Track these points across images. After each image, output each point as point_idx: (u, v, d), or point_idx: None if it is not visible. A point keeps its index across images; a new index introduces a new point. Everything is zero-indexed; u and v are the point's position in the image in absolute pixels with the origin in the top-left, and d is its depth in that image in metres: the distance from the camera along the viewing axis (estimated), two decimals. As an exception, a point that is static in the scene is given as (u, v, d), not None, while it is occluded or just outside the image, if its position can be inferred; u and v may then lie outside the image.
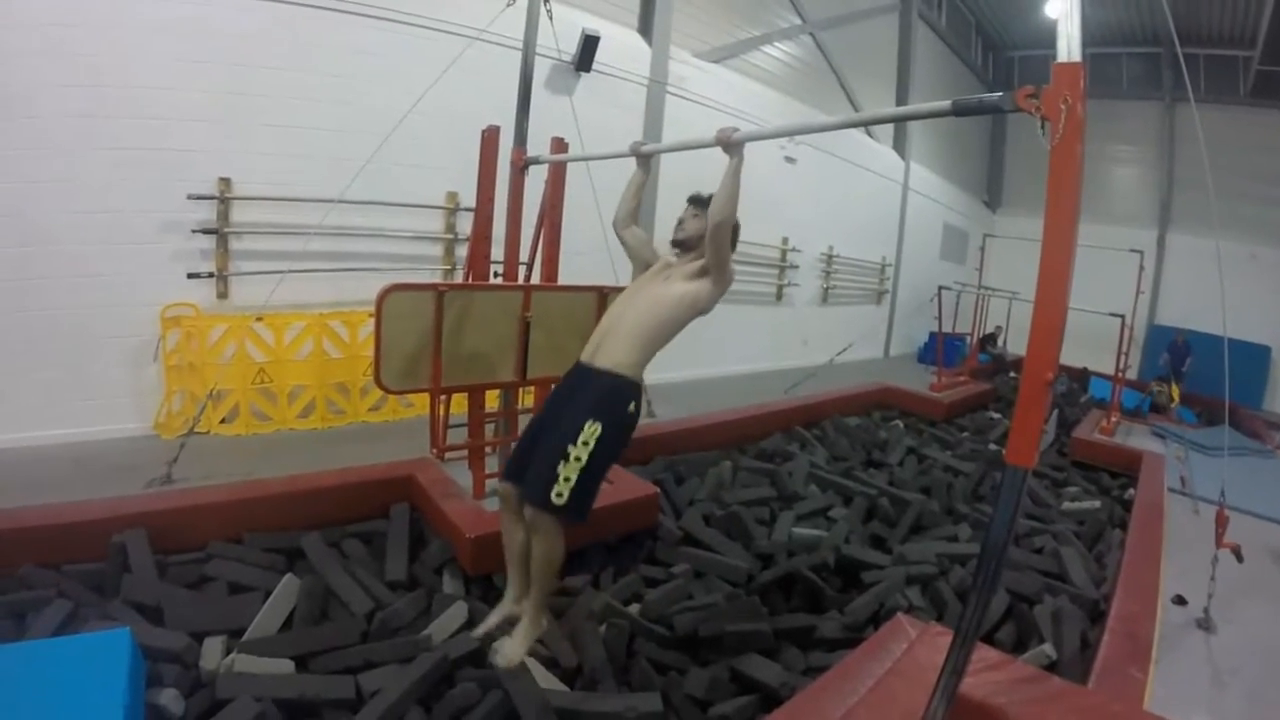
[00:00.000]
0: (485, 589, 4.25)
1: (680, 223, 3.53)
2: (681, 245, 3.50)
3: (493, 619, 3.62)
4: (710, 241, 3.23)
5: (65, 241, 5.80)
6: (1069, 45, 2.18)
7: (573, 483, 3.01)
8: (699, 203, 3.48)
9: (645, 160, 3.85)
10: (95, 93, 5.81)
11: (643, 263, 3.73)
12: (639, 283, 3.52)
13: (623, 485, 5.07)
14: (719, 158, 3.26)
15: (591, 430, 3.06)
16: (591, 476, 3.08)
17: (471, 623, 3.83)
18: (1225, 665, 4.15)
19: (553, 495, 3.01)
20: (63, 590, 3.61)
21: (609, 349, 3.26)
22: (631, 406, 3.25)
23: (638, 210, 3.84)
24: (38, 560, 3.74)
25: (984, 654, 3.21)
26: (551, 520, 3.11)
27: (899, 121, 15.35)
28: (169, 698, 2.97)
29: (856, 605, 4.41)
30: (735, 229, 3.35)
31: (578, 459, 3.02)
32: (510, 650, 3.32)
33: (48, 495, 4.36)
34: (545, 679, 3.44)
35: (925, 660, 3.06)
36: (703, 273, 3.34)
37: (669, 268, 3.49)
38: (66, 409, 5.91)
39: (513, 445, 4.45)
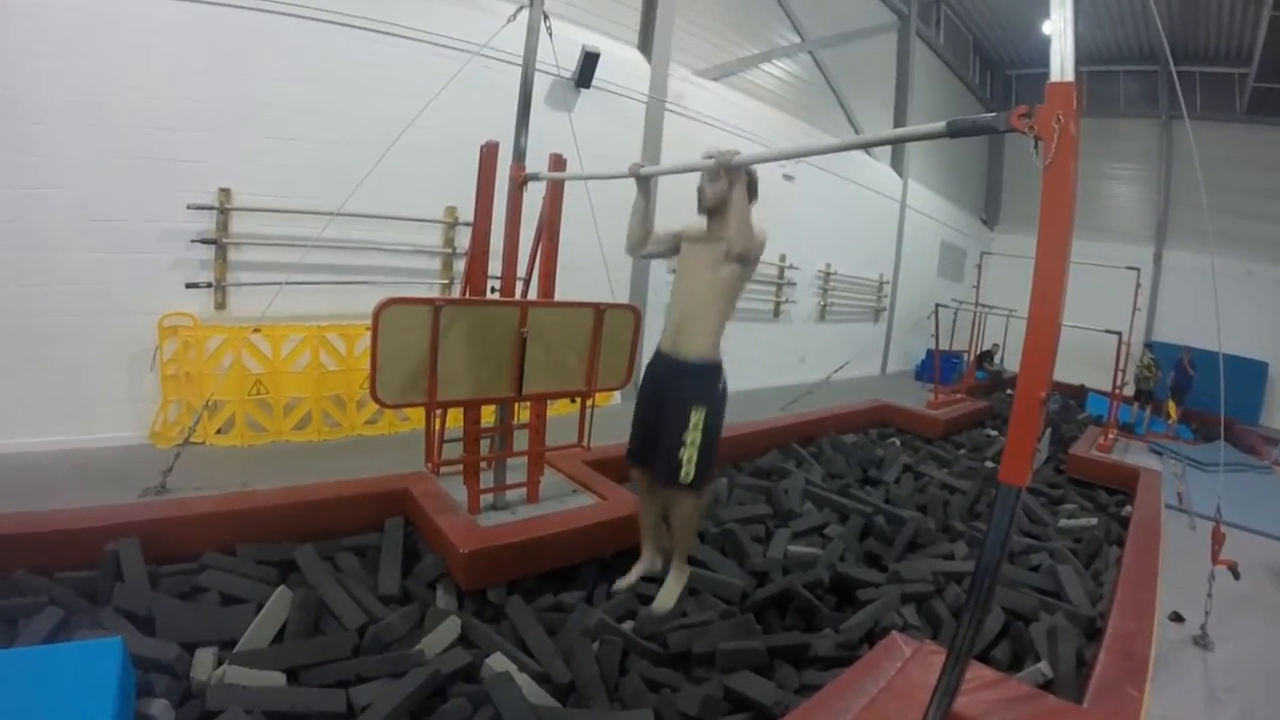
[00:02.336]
0: (479, 604, 4.24)
1: (700, 193, 3.60)
2: (709, 213, 3.60)
3: (633, 575, 3.99)
4: (740, 262, 3.47)
5: (65, 249, 5.82)
6: (1062, 64, 2.18)
7: (694, 460, 3.44)
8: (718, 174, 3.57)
9: (645, 182, 3.84)
10: (99, 101, 5.84)
11: (672, 250, 3.80)
12: (686, 267, 3.66)
13: (617, 502, 5.06)
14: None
15: (698, 415, 3.45)
16: (708, 450, 3.50)
17: (465, 638, 3.83)
18: (1222, 683, 4.15)
19: (681, 476, 3.44)
20: (54, 597, 3.60)
21: (689, 341, 3.54)
22: (721, 384, 3.60)
23: (648, 236, 3.87)
24: (30, 566, 3.74)
25: (979, 672, 3.21)
26: (684, 492, 3.57)
27: (894, 144, 15.37)
28: (159, 708, 2.97)
29: (851, 623, 4.39)
30: (754, 185, 3.53)
31: (693, 442, 3.44)
32: (665, 597, 3.79)
33: (43, 502, 4.36)
34: (537, 695, 3.43)
35: (919, 679, 3.06)
36: (727, 259, 3.47)
37: (704, 245, 3.59)
38: (63, 416, 5.91)
39: (501, 465, 4.50)
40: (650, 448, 3.65)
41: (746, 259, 3.46)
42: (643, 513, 4.00)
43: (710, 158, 3.45)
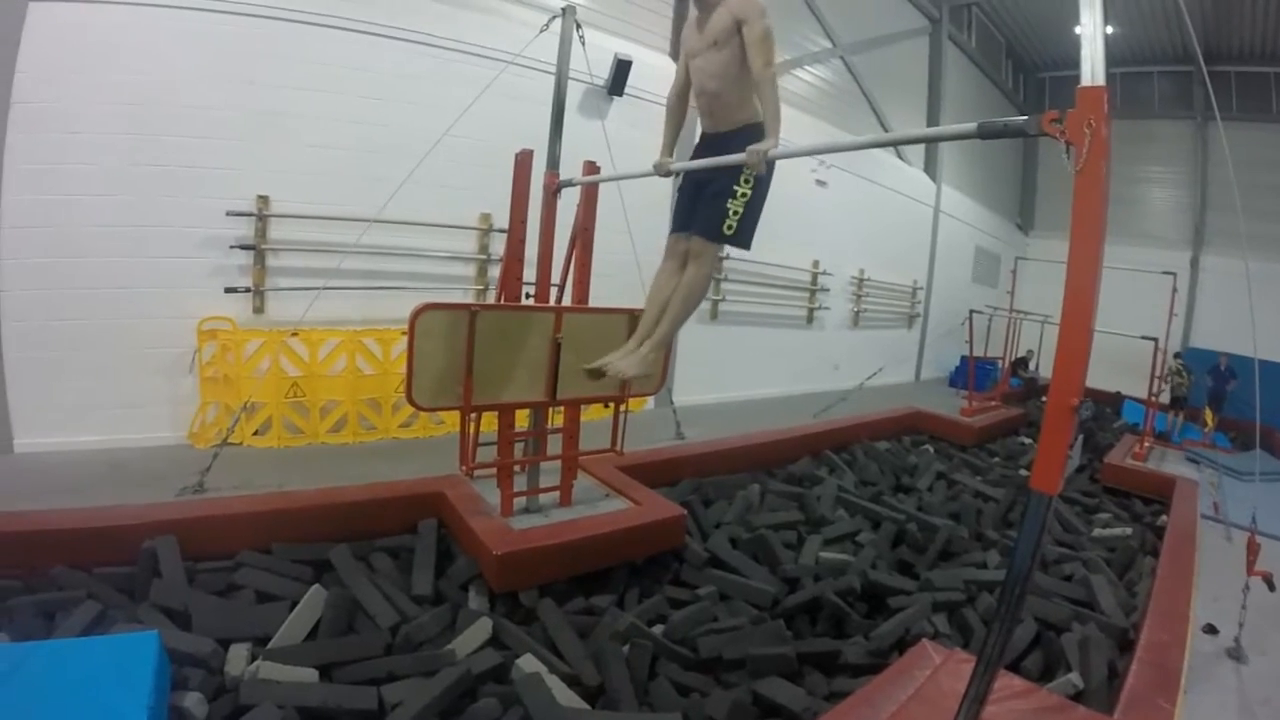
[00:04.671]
0: (510, 606, 4.27)
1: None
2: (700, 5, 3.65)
3: (617, 356, 3.84)
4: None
5: (108, 254, 5.96)
6: (1093, 68, 2.18)
7: (741, 214, 3.52)
8: None
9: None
10: (139, 110, 5.97)
11: (685, 52, 3.86)
12: (696, 62, 3.70)
13: (650, 506, 5.09)
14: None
15: (748, 173, 3.50)
16: (753, 209, 3.58)
17: (496, 639, 3.86)
18: (1256, 695, 4.08)
19: (724, 228, 3.53)
20: (92, 592, 3.69)
21: (727, 111, 3.64)
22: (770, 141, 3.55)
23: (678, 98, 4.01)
24: (69, 562, 3.83)
25: (1009, 682, 3.19)
26: (715, 251, 3.66)
27: (923, 143, 15.28)
28: (193, 701, 3.03)
29: (882, 631, 4.38)
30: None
31: (743, 194, 3.52)
32: (622, 364, 3.71)
33: (82, 499, 4.46)
34: (567, 697, 3.46)
35: (948, 687, 3.05)
36: (735, 33, 3.49)
37: (705, 47, 3.61)
38: (104, 416, 6.04)
39: (534, 465, 4.55)
40: (694, 209, 3.71)
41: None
42: (656, 289, 3.93)
43: None
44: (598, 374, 3.73)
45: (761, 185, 3.57)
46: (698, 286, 3.72)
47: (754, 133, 3.54)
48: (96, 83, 5.79)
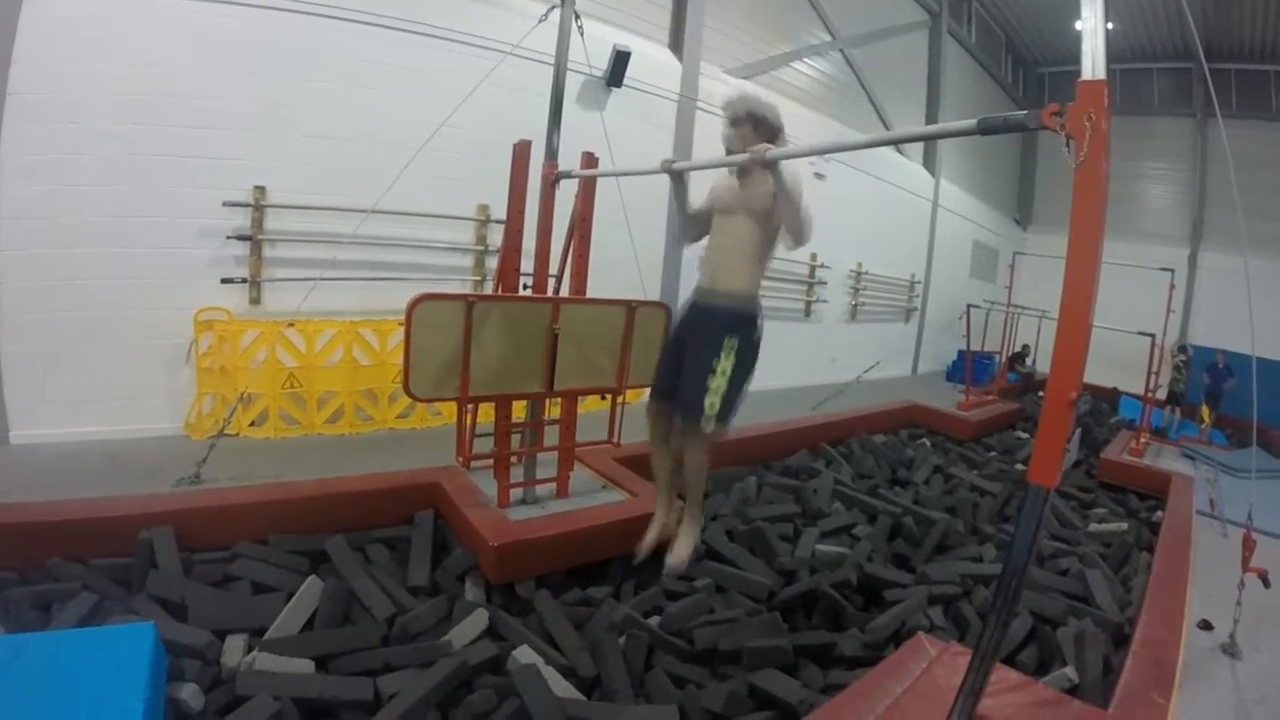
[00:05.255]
0: (507, 597, 4.27)
1: (727, 144, 3.57)
2: (740, 173, 3.58)
3: (650, 536, 3.83)
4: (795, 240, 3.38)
5: (104, 245, 5.95)
6: (1093, 62, 2.17)
7: (722, 392, 3.33)
8: (729, 111, 3.54)
9: (678, 177, 3.86)
10: (136, 101, 5.96)
11: (714, 206, 3.75)
12: (720, 230, 3.62)
13: (647, 499, 5.07)
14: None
15: (730, 345, 3.36)
16: (735, 387, 3.40)
17: (492, 630, 3.86)
18: (1251, 693, 4.09)
19: (706, 407, 3.31)
20: (89, 584, 3.68)
21: (728, 279, 3.49)
22: (759, 322, 3.52)
23: (694, 221, 3.88)
24: (65, 553, 3.82)
25: (1004, 675, 3.19)
26: (700, 431, 3.40)
27: (926, 140, 15.28)
28: (189, 693, 3.02)
29: (878, 624, 4.39)
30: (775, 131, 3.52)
31: (723, 372, 3.33)
32: (681, 550, 3.64)
33: (80, 491, 4.44)
34: (563, 688, 3.46)
35: (944, 680, 3.05)
36: (768, 202, 3.41)
37: (738, 216, 3.53)
38: (100, 408, 6.04)
39: (530, 457, 4.54)
40: (676, 382, 3.54)
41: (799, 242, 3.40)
42: (656, 465, 3.85)
43: (729, 111, 3.52)
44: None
45: (745, 360, 3.43)
46: (702, 467, 3.58)
47: (747, 311, 3.47)
48: (94, 73, 5.77)
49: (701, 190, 3.80)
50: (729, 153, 3.54)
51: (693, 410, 3.35)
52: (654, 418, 3.80)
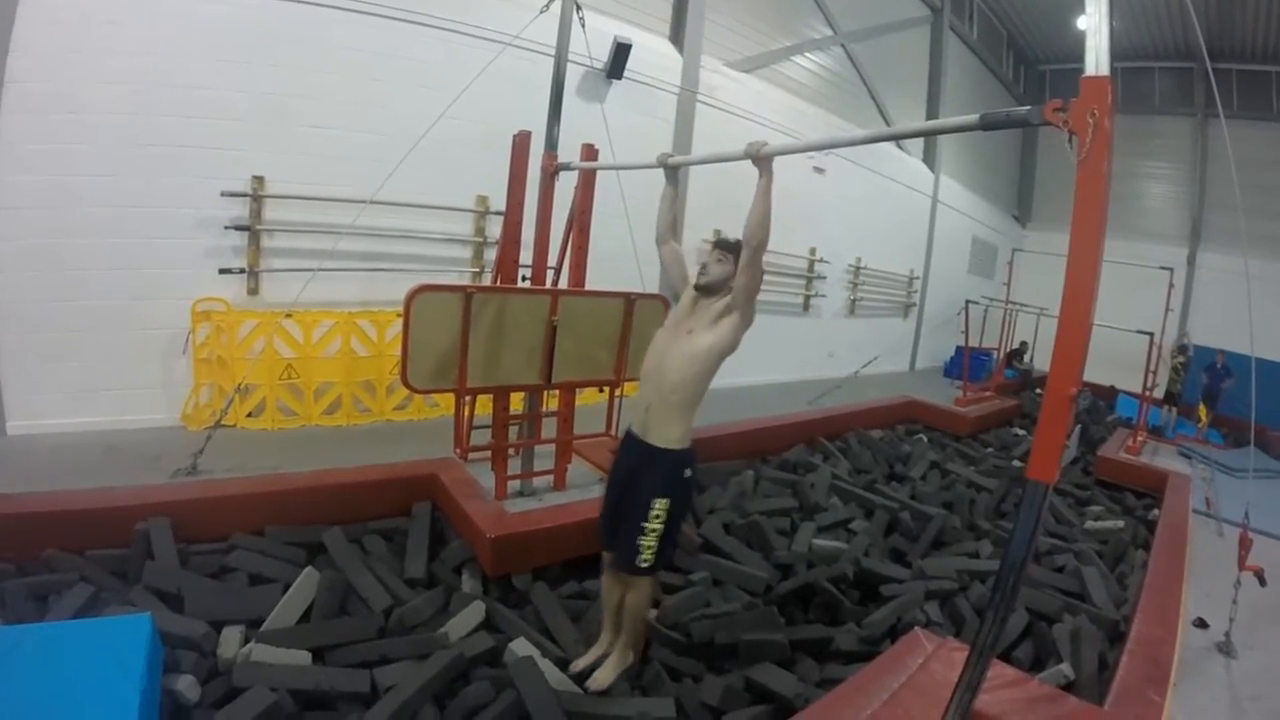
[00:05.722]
0: (504, 590, 4.27)
1: (703, 267, 3.50)
2: (704, 290, 3.47)
3: (590, 656, 3.77)
4: (747, 268, 3.26)
5: (102, 235, 5.92)
6: (1097, 59, 2.16)
7: (654, 548, 3.41)
8: (725, 247, 3.47)
9: (674, 173, 3.84)
10: (135, 91, 5.93)
11: (675, 281, 3.71)
12: (668, 335, 3.53)
13: (643, 491, 5.07)
14: (748, 175, 3.25)
15: (661, 505, 3.40)
16: (667, 537, 3.46)
17: (489, 622, 3.86)
18: (1246, 691, 4.11)
19: (639, 562, 3.41)
20: (85, 575, 3.68)
21: (658, 427, 3.45)
22: (688, 472, 3.50)
23: (675, 223, 3.86)
24: (62, 545, 3.82)
25: (1000, 671, 3.20)
26: (641, 580, 3.52)
27: (926, 135, 15.26)
28: (186, 684, 3.02)
29: (874, 619, 4.39)
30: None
31: (654, 530, 3.39)
32: (602, 676, 3.58)
33: (77, 482, 4.44)
34: (559, 680, 3.47)
35: (940, 676, 3.06)
36: (726, 312, 3.36)
37: (690, 316, 3.47)
38: (98, 398, 6.02)
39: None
40: (616, 531, 3.55)
41: (750, 296, 3.31)
42: (606, 594, 3.81)
43: (726, 248, 3.45)
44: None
45: (673, 512, 3.44)
46: (640, 609, 3.62)
47: (676, 464, 3.44)
48: (92, 62, 5.74)
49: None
50: (704, 271, 3.47)
51: (630, 562, 3.44)
52: (606, 560, 3.82)
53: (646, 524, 3.38)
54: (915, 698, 2.97)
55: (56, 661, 2.63)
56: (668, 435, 3.44)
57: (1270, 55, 17.16)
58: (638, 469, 3.47)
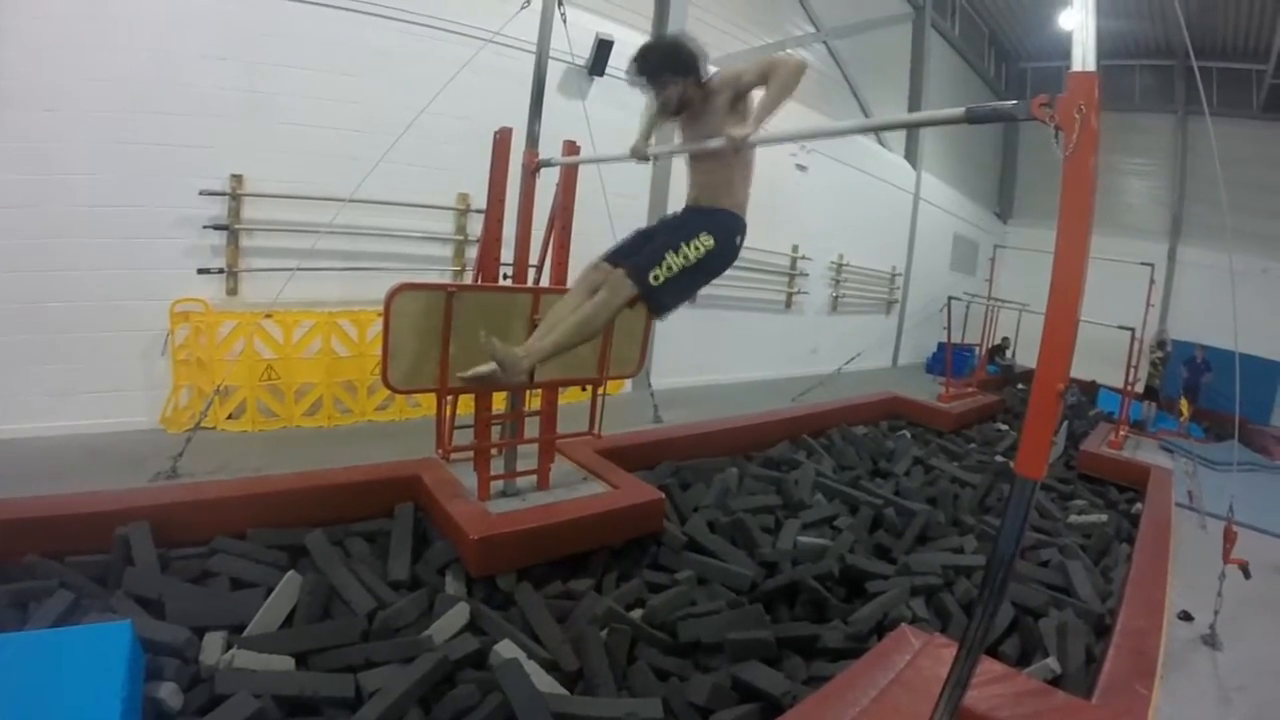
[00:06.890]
0: (488, 591, 4.23)
1: (661, 105, 3.56)
2: (682, 105, 3.52)
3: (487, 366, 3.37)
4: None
5: (78, 235, 5.84)
6: (1084, 55, 2.15)
7: (673, 273, 3.24)
8: (649, 71, 3.46)
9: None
10: (114, 87, 5.86)
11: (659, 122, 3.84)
12: (691, 160, 3.65)
13: (628, 490, 5.06)
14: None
15: (705, 240, 3.33)
16: (689, 278, 3.33)
17: (473, 624, 3.83)
18: (1232, 683, 4.13)
19: (651, 276, 3.21)
20: (65, 581, 3.61)
21: (714, 195, 3.52)
22: (738, 240, 3.50)
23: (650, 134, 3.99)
24: (42, 550, 3.75)
25: (988, 666, 3.19)
26: (628, 292, 3.24)
27: (912, 127, 15.32)
28: (168, 692, 2.97)
29: (860, 615, 4.38)
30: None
31: (685, 255, 3.27)
32: (506, 350, 3.17)
33: (56, 486, 4.38)
34: (545, 682, 3.43)
35: (929, 672, 3.05)
36: (729, 116, 3.39)
37: (692, 137, 3.55)
38: (77, 401, 5.95)
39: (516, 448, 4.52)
40: (635, 251, 3.42)
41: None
42: (559, 307, 3.61)
43: (640, 71, 3.49)
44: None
45: (710, 259, 3.36)
46: (598, 318, 3.32)
47: (732, 219, 3.49)
48: (71, 59, 5.66)
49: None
50: (673, 111, 3.52)
51: (639, 271, 3.23)
52: (591, 272, 3.64)
53: (684, 245, 3.28)
54: (904, 694, 2.97)
55: (36, 671, 2.58)
56: (725, 200, 3.51)
57: (1250, 53, 17.34)
58: (689, 213, 3.52)
